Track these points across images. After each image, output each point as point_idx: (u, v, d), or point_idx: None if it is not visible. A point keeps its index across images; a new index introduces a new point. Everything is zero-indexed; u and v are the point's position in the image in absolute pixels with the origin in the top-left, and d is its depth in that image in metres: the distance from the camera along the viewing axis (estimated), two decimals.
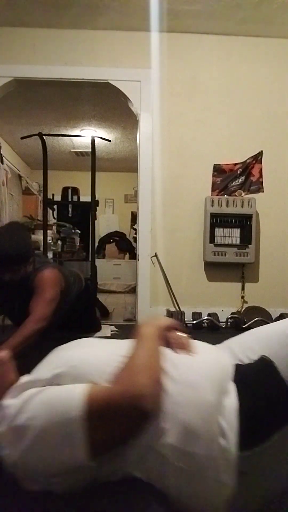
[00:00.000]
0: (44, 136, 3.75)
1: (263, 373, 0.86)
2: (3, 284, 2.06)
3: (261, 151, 3.28)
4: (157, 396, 0.73)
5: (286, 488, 0.91)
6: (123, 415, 0.70)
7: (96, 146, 3.79)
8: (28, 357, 1.03)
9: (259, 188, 3.29)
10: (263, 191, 3.28)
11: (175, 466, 0.72)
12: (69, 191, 4.10)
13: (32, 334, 1.89)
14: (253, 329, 1.06)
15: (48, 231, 4.01)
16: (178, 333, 0.93)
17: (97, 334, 2.66)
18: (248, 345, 0.95)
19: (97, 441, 0.69)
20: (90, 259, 3.75)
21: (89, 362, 0.82)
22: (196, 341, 0.93)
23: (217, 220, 3.18)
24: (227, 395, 0.80)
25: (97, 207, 3.93)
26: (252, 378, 0.86)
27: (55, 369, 0.80)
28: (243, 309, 3.21)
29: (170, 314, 2.95)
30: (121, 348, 0.86)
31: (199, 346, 0.91)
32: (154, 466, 0.74)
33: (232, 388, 0.82)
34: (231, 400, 0.80)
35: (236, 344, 0.99)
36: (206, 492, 0.74)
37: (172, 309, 3.14)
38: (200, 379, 0.78)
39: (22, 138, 3.97)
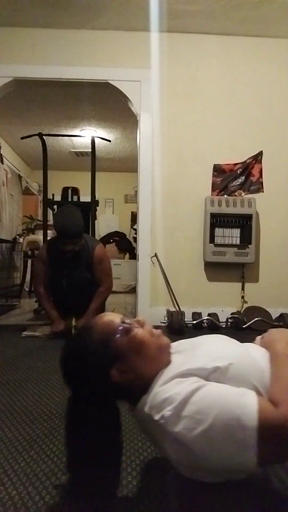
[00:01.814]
0: (44, 136, 3.75)
1: None
2: (65, 253, 2.62)
3: (261, 151, 3.28)
4: None
5: None
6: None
7: (96, 146, 3.79)
8: None
9: (259, 188, 3.29)
10: (263, 191, 3.28)
11: None
12: (69, 191, 4.10)
13: (105, 300, 2.85)
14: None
15: (48, 231, 4.00)
16: None
17: None
18: None
19: (266, 454, 0.72)
20: None
21: (245, 364, 0.84)
22: None
23: (217, 220, 3.18)
24: None
25: (97, 207, 3.94)
26: None
27: (214, 361, 0.81)
28: (243, 309, 3.20)
29: (170, 314, 2.95)
30: (260, 355, 0.88)
31: None
32: None
33: None
34: None
35: None
36: None
37: (172, 309, 3.14)
38: None
39: (22, 138, 3.97)
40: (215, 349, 0.89)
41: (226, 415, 0.72)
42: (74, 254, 2.65)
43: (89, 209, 3.70)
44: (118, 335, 0.85)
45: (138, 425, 0.98)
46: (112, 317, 0.90)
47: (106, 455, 0.85)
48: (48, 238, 3.84)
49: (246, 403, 0.73)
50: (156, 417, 0.77)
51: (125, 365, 0.84)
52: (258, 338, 1.00)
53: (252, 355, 0.88)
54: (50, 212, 4.54)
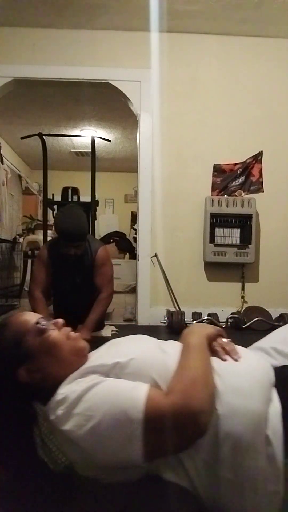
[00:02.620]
0: (44, 136, 3.75)
1: None
2: (68, 257, 2.43)
3: (261, 151, 3.28)
4: (212, 412, 0.73)
5: None
6: (181, 428, 0.71)
7: (96, 146, 3.79)
8: None
9: (259, 188, 3.29)
10: (263, 191, 3.28)
11: (223, 477, 0.72)
12: (69, 191, 4.09)
13: (106, 308, 2.56)
14: (278, 330, 1.05)
15: (48, 231, 4.00)
16: (223, 340, 0.93)
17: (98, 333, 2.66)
18: (279, 346, 0.95)
19: (152, 446, 0.71)
20: None
21: (148, 358, 0.84)
22: (237, 346, 0.92)
23: (217, 220, 3.18)
24: (271, 401, 0.79)
25: (97, 207, 3.93)
26: None
27: (115, 358, 0.82)
28: (243, 309, 3.20)
29: (170, 314, 2.95)
30: (174, 350, 0.88)
31: (241, 351, 0.90)
32: (197, 475, 0.75)
33: (274, 393, 0.81)
34: (275, 406, 0.78)
35: (267, 344, 1.00)
36: (254, 503, 0.73)
37: (172, 309, 3.14)
38: (249, 387, 0.77)
39: (22, 138, 3.97)
40: (121, 347, 0.91)
41: (114, 410, 0.72)
42: (77, 258, 2.46)
43: (89, 209, 3.70)
44: (31, 335, 0.86)
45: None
46: (28, 317, 0.90)
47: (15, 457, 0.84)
48: (49, 238, 3.84)
49: (135, 396, 0.73)
50: (51, 417, 0.78)
51: (34, 366, 0.84)
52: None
53: (161, 351, 0.88)
54: (50, 212, 4.54)
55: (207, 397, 0.73)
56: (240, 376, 0.80)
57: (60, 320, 0.93)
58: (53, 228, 5.04)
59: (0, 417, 0.83)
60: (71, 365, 0.86)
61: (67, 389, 0.79)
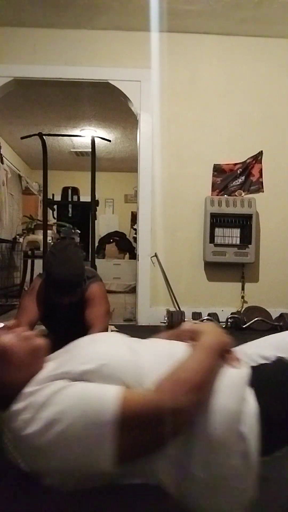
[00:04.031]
0: (44, 136, 3.74)
1: (281, 374, 0.83)
2: (62, 307, 2.06)
3: (261, 151, 3.28)
4: (193, 414, 0.71)
5: None
6: (155, 427, 0.68)
7: (96, 146, 3.78)
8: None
9: (259, 188, 3.29)
10: (263, 191, 3.28)
11: (195, 475, 0.71)
12: (69, 191, 4.10)
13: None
14: (265, 337, 1.02)
15: (48, 231, 4.00)
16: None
17: None
18: (261, 349, 0.93)
19: (124, 449, 0.67)
20: (90, 259, 3.74)
21: (120, 362, 0.79)
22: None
23: (217, 220, 3.18)
24: (246, 399, 0.78)
25: (97, 207, 3.93)
26: (270, 379, 0.83)
27: (84, 365, 0.77)
28: (243, 309, 3.20)
29: (170, 314, 2.95)
30: (147, 350, 0.84)
31: None
32: (169, 473, 0.73)
33: (249, 392, 0.80)
34: (251, 404, 0.77)
35: (248, 347, 0.97)
36: (227, 500, 0.73)
37: (172, 309, 3.14)
38: (221, 385, 0.76)
39: (22, 138, 3.96)
40: (88, 351, 0.85)
41: (84, 413, 0.68)
42: (71, 306, 2.08)
43: (89, 209, 3.70)
44: None
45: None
46: None
47: None
48: (49, 238, 3.84)
49: (108, 398, 0.69)
50: (12, 423, 0.72)
51: None
52: (187, 324, 0.98)
53: (132, 352, 0.84)
54: (50, 212, 4.54)
55: (194, 400, 0.71)
56: None
57: (12, 322, 0.87)
58: (53, 228, 5.07)
59: None
60: (30, 368, 0.80)
61: (31, 394, 0.74)
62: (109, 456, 0.67)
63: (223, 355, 0.84)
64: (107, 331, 2.04)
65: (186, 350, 0.84)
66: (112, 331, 2.81)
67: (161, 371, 0.76)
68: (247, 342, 1.01)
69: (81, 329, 1.99)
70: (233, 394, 0.76)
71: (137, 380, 0.76)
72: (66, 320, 2.16)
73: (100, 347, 0.87)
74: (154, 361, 0.81)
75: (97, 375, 0.75)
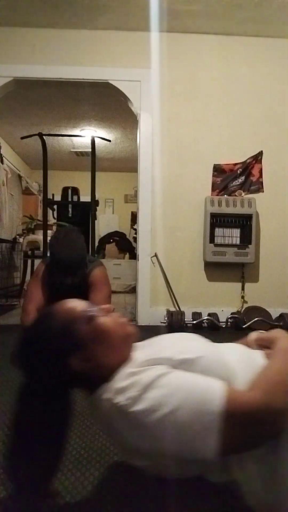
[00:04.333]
0: (44, 136, 3.75)
1: None
2: (65, 288, 2.19)
3: (261, 151, 3.28)
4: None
5: None
6: (259, 425, 0.69)
7: (96, 146, 3.79)
8: None
9: (259, 188, 3.29)
10: (263, 191, 3.28)
11: (282, 477, 0.71)
12: (69, 191, 4.11)
13: None
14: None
15: (48, 231, 4.00)
16: None
17: None
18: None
19: (227, 442, 0.68)
20: None
21: (214, 357, 0.81)
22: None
23: (217, 220, 3.18)
24: None
25: (97, 207, 3.94)
26: None
27: (183, 354, 0.79)
28: (243, 309, 3.20)
29: (170, 314, 2.95)
30: (232, 351, 0.86)
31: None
32: (253, 472, 0.74)
33: None
34: None
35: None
36: None
37: (172, 309, 3.14)
38: None
39: (22, 138, 3.97)
40: (180, 343, 0.88)
41: (191, 399, 0.69)
42: (74, 287, 2.25)
43: (89, 209, 3.71)
44: (80, 323, 0.81)
45: (93, 413, 0.90)
46: (74, 304, 0.86)
47: (48, 449, 0.83)
48: (49, 238, 3.84)
49: (214, 389, 0.70)
50: (117, 399, 0.74)
51: (86, 354, 0.80)
52: (254, 334, 0.98)
53: (221, 352, 0.86)
54: (50, 212, 4.54)
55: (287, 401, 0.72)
56: None
57: (108, 306, 0.88)
58: (53, 228, 5.07)
59: (40, 407, 0.81)
60: (123, 351, 0.83)
61: (135, 374, 0.76)
62: (213, 446, 0.68)
63: None
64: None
65: (262, 354, 0.86)
66: None
67: (247, 371, 0.78)
68: None
69: None
70: None
71: (229, 376, 0.77)
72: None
73: (190, 342, 0.89)
74: (239, 360, 0.83)
75: (195, 366, 0.77)
